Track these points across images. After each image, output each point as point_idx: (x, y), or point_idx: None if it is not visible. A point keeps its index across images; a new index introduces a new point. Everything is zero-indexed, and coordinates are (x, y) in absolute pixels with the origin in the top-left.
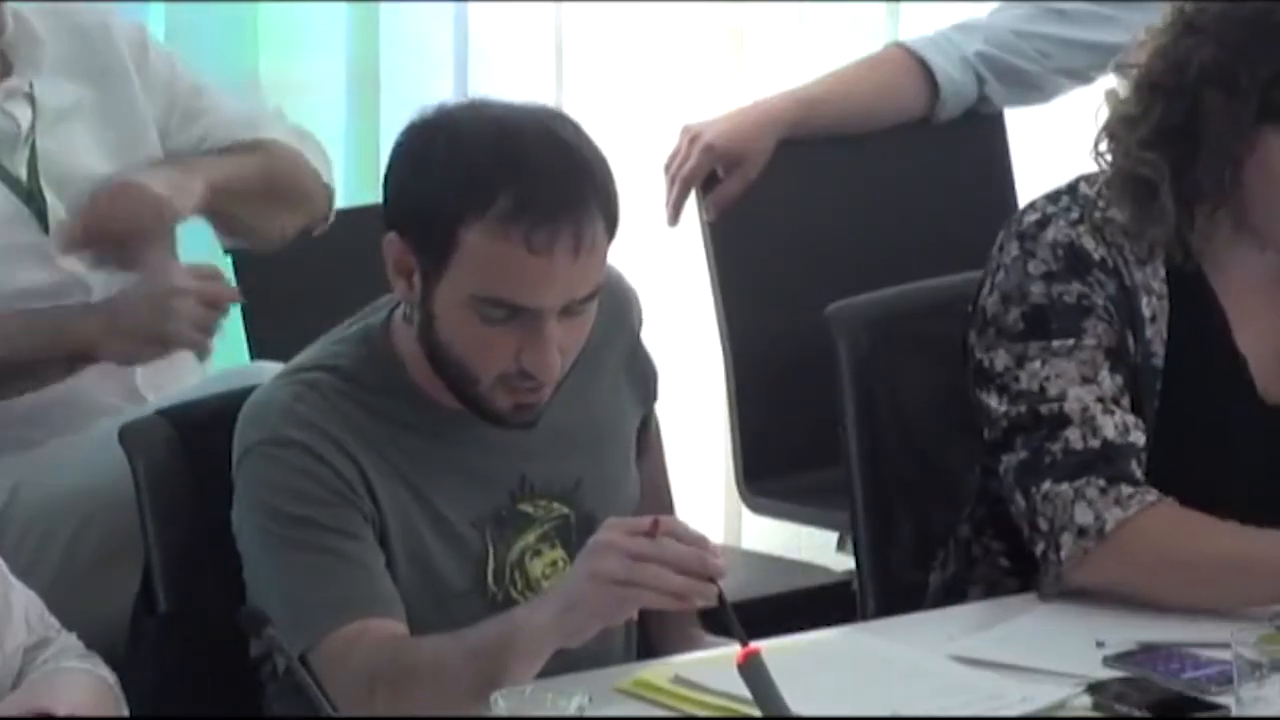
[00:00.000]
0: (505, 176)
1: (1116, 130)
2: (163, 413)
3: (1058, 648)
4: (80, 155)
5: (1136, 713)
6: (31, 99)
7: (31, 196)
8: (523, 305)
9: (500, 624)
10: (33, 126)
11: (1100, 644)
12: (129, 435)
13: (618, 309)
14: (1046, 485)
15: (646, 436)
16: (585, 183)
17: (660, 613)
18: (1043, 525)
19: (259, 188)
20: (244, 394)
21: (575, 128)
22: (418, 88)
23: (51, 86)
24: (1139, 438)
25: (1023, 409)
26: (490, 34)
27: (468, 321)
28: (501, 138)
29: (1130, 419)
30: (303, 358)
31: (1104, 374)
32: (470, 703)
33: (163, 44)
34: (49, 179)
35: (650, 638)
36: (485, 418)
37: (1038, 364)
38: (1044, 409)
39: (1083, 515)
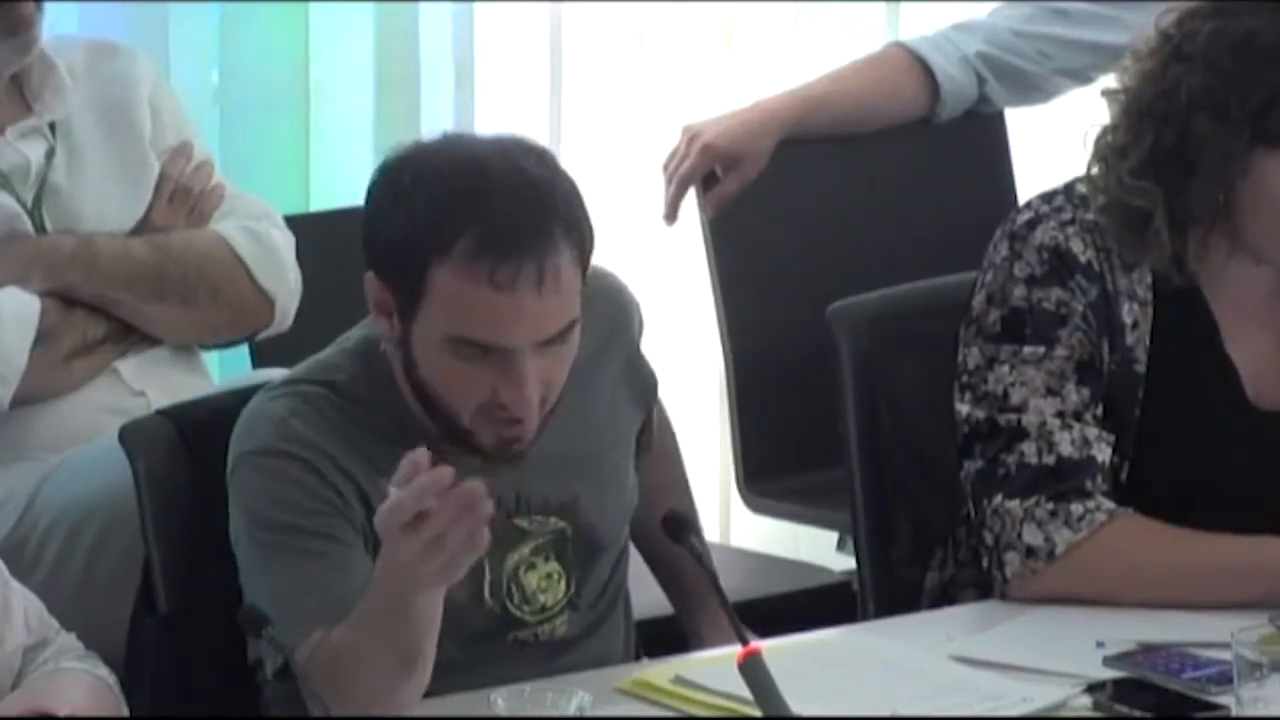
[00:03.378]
0: (467, 215)
1: (1108, 157)
2: (164, 413)
3: (1057, 648)
4: (88, 195)
5: (1136, 713)
6: (48, 137)
7: (35, 228)
8: (495, 344)
9: (377, 604)
10: (46, 163)
11: (1100, 644)
12: (129, 435)
13: (617, 319)
14: (998, 499)
15: (646, 438)
16: (549, 216)
17: (688, 596)
18: (988, 539)
19: (143, 280)
20: (247, 394)
21: (541, 157)
22: (442, 89)
23: (76, 126)
24: (1102, 452)
25: (983, 416)
26: (489, 35)
27: (444, 360)
28: (463, 176)
29: (1093, 433)
30: (300, 370)
31: (1070, 387)
32: (400, 676)
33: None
34: (52, 213)
35: (680, 619)
36: (473, 452)
37: (1006, 369)
38: (1003, 419)
39: (1031, 536)
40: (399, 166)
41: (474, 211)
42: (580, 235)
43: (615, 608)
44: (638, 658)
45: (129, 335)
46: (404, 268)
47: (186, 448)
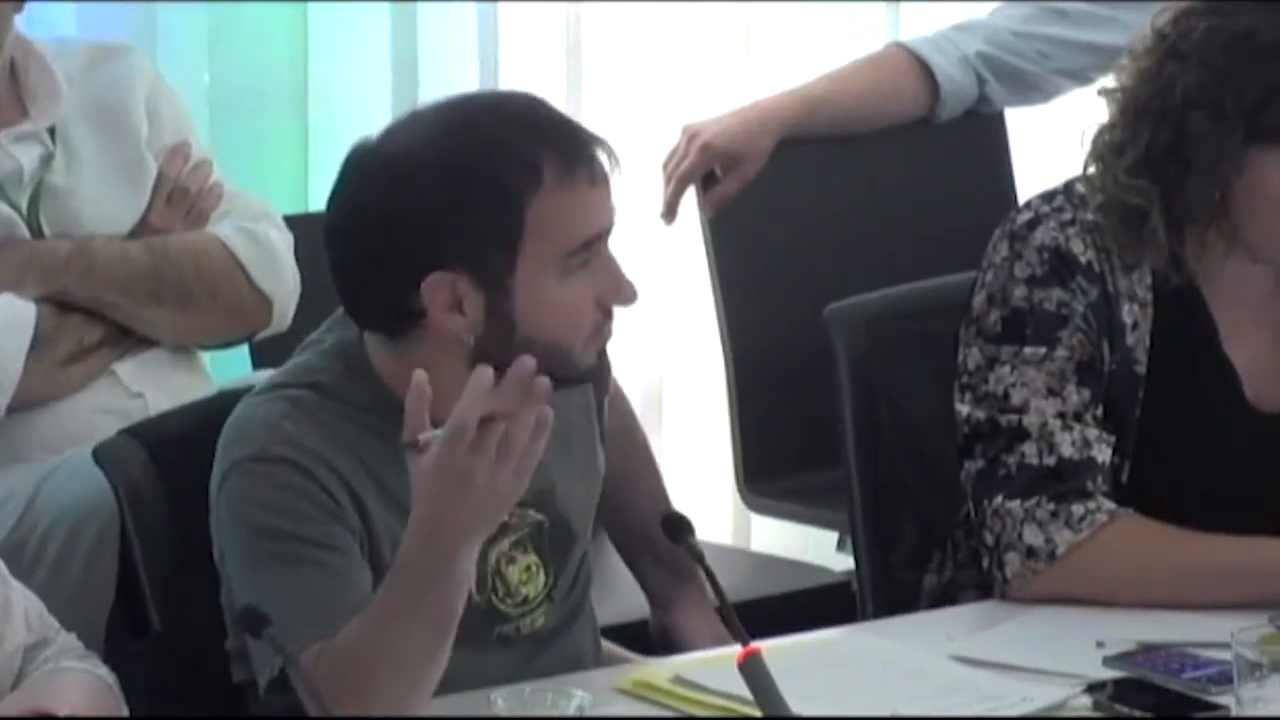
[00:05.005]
0: (535, 144)
1: (1105, 155)
2: (131, 433)
3: (1058, 648)
4: (85, 198)
5: (1136, 713)
6: (45, 143)
7: (31, 233)
8: (601, 231)
9: (414, 574)
10: (42, 167)
11: (1100, 644)
12: (103, 458)
13: None
14: (999, 500)
15: (604, 416)
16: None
17: (673, 592)
18: (989, 540)
19: (138, 283)
20: (211, 407)
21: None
22: (451, 88)
23: (73, 130)
24: (1102, 453)
25: (983, 416)
26: (507, 34)
27: (554, 293)
28: (498, 115)
29: (1094, 434)
30: (281, 375)
31: (1071, 388)
32: (433, 651)
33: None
34: (50, 217)
35: (657, 608)
36: (575, 383)
37: (1007, 369)
38: (1004, 420)
39: (1032, 536)
40: (398, 161)
41: (539, 137)
42: None
43: (585, 600)
44: (596, 649)
45: (126, 338)
46: (495, 229)
47: (157, 467)
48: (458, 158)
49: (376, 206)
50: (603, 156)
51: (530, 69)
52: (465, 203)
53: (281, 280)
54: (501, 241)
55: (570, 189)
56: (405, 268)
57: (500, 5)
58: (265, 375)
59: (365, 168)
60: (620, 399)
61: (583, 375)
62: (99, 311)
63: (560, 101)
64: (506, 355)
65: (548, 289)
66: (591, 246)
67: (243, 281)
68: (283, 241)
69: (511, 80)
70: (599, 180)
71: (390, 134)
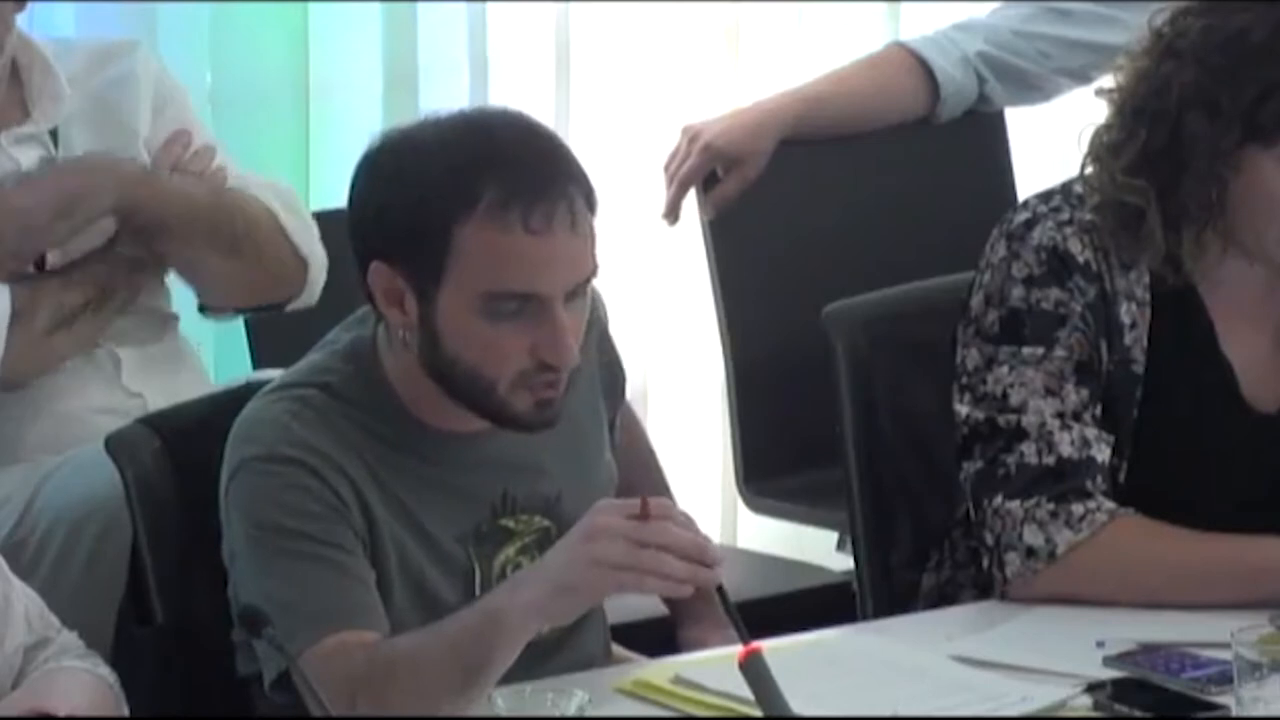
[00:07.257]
0: (485, 167)
1: (1102, 155)
2: (146, 422)
3: (1057, 648)
4: None
5: (1136, 713)
6: (46, 145)
7: None
8: (533, 292)
9: (480, 611)
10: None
11: (1100, 644)
12: (116, 445)
13: (593, 312)
14: (998, 500)
15: (615, 433)
16: (560, 160)
17: (691, 607)
18: (989, 540)
19: (199, 220)
20: (228, 398)
21: (522, 114)
22: (445, 87)
23: (73, 131)
24: (1101, 452)
25: (982, 416)
26: (497, 34)
27: (476, 326)
28: (469, 133)
29: (1092, 433)
30: (292, 374)
31: (1069, 387)
32: (455, 694)
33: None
34: None
35: (678, 622)
36: (507, 424)
37: (1005, 369)
38: (1002, 420)
39: (1032, 536)
40: (390, 149)
41: (492, 164)
42: (586, 183)
43: (596, 606)
44: (606, 653)
45: (108, 302)
46: (423, 239)
47: (170, 457)
48: (416, 160)
49: (354, 185)
50: (565, 211)
51: (520, 69)
52: (402, 204)
53: (315, 249)
54: (428, 255)
55: (501, 230)
56: (358, 247)
57: (491, 5)
58: (259, 377)
59: (368, 147)
60: (628, 412)
61: (514, 419)
62: (152, 246)
63: (548, 102)
64: (445, 373)
65: (470, 319)
66: (527, 301)
67: (285, 244)
68: (310, 217)
69: (501, 82)
70: (539, 230)
71: (404, 126)
